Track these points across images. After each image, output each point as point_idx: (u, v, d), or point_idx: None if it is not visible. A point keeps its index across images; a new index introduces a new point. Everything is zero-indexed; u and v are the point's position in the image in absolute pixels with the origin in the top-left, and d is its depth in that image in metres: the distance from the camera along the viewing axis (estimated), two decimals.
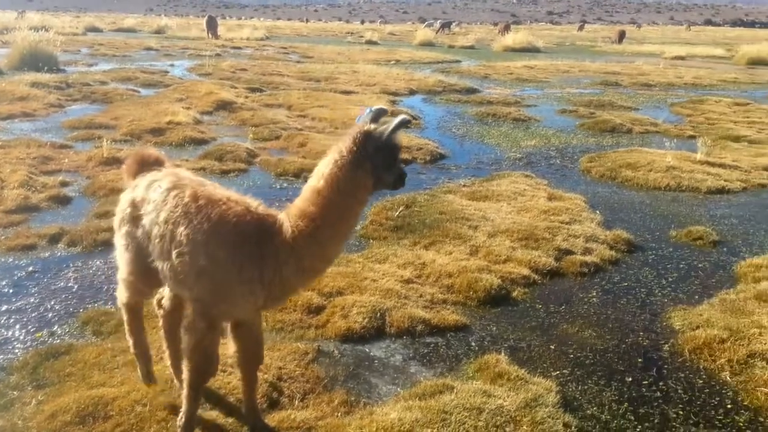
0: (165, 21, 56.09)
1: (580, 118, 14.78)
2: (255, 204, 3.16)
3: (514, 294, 5.55)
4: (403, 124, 2.90)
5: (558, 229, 6.91)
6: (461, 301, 5.37)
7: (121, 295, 3.61)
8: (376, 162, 2.89)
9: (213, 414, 3.63)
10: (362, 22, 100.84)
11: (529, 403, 3.86)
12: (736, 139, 12.49)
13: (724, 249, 6.76)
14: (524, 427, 3.64)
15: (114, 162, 9.22)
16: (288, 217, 3.01)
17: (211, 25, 39.47)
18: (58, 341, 4.51)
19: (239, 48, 34.17)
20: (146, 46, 31.87)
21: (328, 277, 5.51)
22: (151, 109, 13.46)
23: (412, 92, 18.24)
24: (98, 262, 5.95)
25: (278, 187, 8.69)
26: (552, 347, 4.71)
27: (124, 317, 3.73)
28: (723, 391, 4.20)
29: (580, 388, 4.20)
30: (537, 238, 6.65)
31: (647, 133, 13.25)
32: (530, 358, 4.55)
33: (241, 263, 2.96)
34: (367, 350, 4.58)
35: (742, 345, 4.57)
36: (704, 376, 4.37)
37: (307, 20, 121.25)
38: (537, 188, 8.64)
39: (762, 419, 3.91)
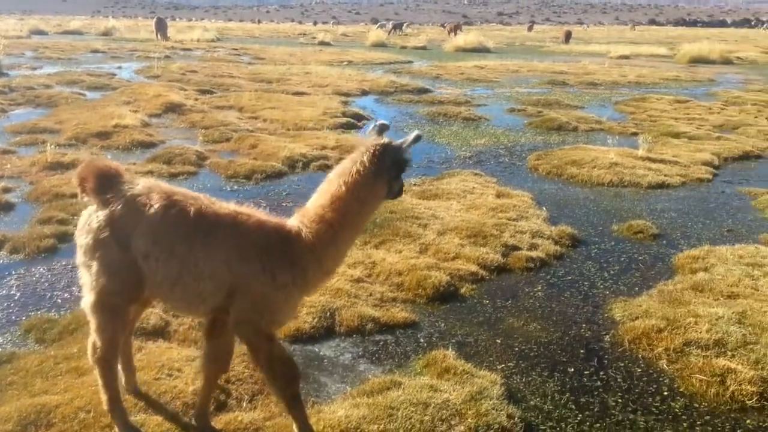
0: (113, 23, 54.83)
1: (529, 116, 15.06)
2: (262, 213, 3.23)
3: (463, 290, 5.66)
4: (418, 139, 3.12)
5: (505, 226, 7.06)
6: (410, 299, 5.45)
7: (103, 333, 3.21)
8: (391, 173, 3.11)
9: (158, 418, 3.62)
10: (315, 23, 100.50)
11: (474, 396, 3.96)
12: (677, 135, 12.92)
13: (664, 242, 7.01)
14: (469, 420, 3.73)
15: (58, 167, 9.04)
16: (303, 222, 3.10)
17: (161, 27, 38.85)
18: (0, 350, 4.42)
19: (189, 50, 33.71)
20: (93, 49, 31.19)
21: None
22: (98, 113, 13.21)
23: (364, 93, 18.30)
24: (41, 269, 5.84)
25: (228, 189, 8.64)
26: (498, 341, 4.83)
27: (101, 369, 3.28)
28: (660, 379, 4.38)
29: (524, 379, 4.32)
30: (485, 234, 6.78)
31: (592, 130, 13.59)
32: (477, 353, 4.65)
33: (273, 271, 3.02)
34: (316, 350, 4.62)
35: (679, 334, 4.76)
36: (642, 365, 4.55)
37: (259, 21, 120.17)
38: (486, 186, 8.80)
39: (696, 405, 4.09)
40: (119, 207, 3.07)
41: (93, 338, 3.27)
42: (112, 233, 3.06)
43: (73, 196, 7.70)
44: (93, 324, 3.23)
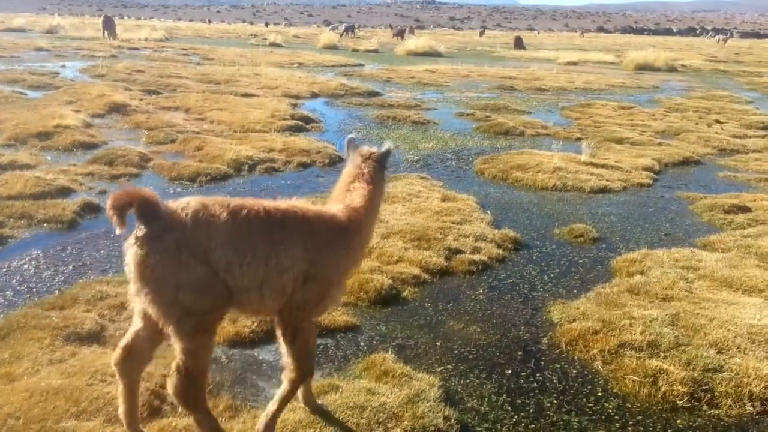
0: (58, 20, 53.30)
1: (477, 121, 15.24)
2: (311, 205, 3.57)
3: (405, 293, 5.68)
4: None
5: (449, 229, 7.11)
6: (352, 302, 5.44)
7: (199, 361, 3.12)
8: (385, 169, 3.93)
9: (89, 425, 3.52)
10: (266, 25, 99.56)
11: (411, 399, 3.97)
12: (620, 141, 13.25)
13: (603, 245, 7.18)
14: (405, 423, 3.74)
15: None
16: (343, 211, 3.50)
17: (108, 25, 37.89)
18: None
19: (137, 49, 33.04)
20: (37, 47, 30.23)
21: None
22: (39, 113, 12.81)
23: (314, 95, 18.24)
24: None
25: (172, 191, 8.48)
26: (438, 344, 4.86)
27: (201, 408, 3.22)
28: (595, 380, 4.47)
29: (462, 382, 4.36)
30: (429, 238, 6.82)
31: (538, 135, 13.83)
32: (416, 356, 4.67)
33: (336, 256, 3.37)
34: (255, 354, 4.56)
35: (614, 335, 4.87)
36: (578, 366, 4.64)
37: (210, 21, 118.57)
38: (432, 190, 8.86)
39: (629, 405, 4.19)
40: (188, 226, 2.99)
41: (179, 377, 3.09)
42: (189, 254, 2.96)
43: (10, 197, 7.48)
44: (186, 354, 3.06)
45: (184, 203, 3.07)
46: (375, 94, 19.11)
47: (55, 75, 19.71)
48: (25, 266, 5.89)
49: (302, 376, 3.45)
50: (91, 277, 5.67)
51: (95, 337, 4.58)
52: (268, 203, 3.27)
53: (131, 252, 3.01)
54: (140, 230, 2.97)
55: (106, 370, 4.05)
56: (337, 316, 5.11)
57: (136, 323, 3.34)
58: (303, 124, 13.52)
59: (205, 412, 3.25)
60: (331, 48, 40.81)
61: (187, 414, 3.27)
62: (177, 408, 3.80)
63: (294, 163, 10.20)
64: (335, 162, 10.51)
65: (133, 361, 3.32)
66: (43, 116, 12.32)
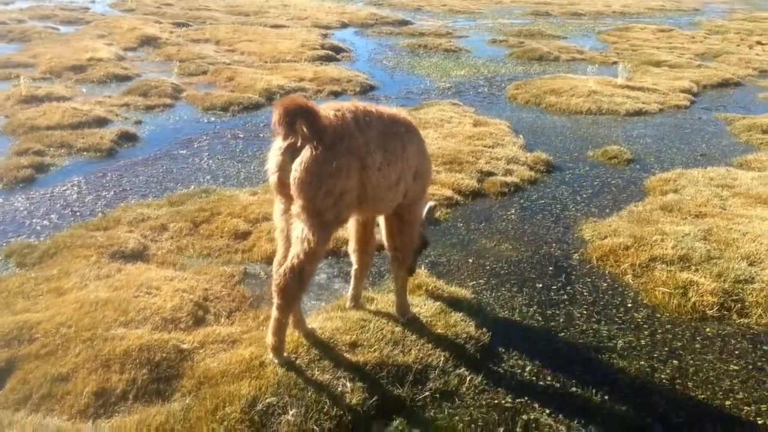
0: None
1: (510, 47, 14.92)
2: None
3: (437, 214, 5.75)
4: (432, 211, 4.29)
5: (481, 153, 7.11)
6: None
7: (322, 246, 3.30)
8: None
9: (138, 332, 3.72)
10: None
11: (444, 309, 4.10)
12: (658, 64, 12.88)
13: (637, 166, 7.11)
14: (438, 330, 3.87)
15: (33, 100, 8.91)
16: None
17: None
18: None
19: None
20: None
21: (254, 204, 5.59)
22: (72, 47, 12.92)
23: (344, 25, 18.00)
24: (20, 198, 5.87)
25: (205, 120, 8.58)
26: (470, 261, 4.95)
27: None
28: (625, 292, 4.54)
29: (493, 295, 4.46)
30: (461, 161, 6.83)
31: (573, 60, 13.52)
32: (449, 271, 4.77)
33: (427, 157, 3.82)
34: None
35: (645, 250, 4.90)
36: (609, 280, 4.70)
37: None
38: (464, 115, 8.80)
39: (658, 315, 4.26)
40: (353, 134, 3.23)
41: (292, 275, 3.26)
42: (356, 158, 3.23)
43: (49, 128, 7.66)
44: (308, 254, 3.23)
45: (338, 112, 3.25)
46: (405, 23, 18.76)
47: (86, 10, 19.74)
48: (68, 192, 6.10)
49: (409, 256, 3.90)
50: (132, 201, 5.85)
51: (139, 255, 4.77)
52: (386, 108, 3.56)
53: (302, 159, 3.11)
54: (309, 139, 3.11)
55: (151, 283, 4.25)
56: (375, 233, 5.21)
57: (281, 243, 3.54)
58: (333, 54, 13.41)
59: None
60: None
61: (278, 312, 3.37)
62: (220, 318, 4.00)
63: (325, 92, 10.19)
64: (366, 90, 10.47)
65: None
66: (76, 50, 12.42)
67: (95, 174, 6.56)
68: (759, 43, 15.70)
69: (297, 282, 3.26)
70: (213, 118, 8.70)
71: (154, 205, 5.71)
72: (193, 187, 6.20)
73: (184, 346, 3.59)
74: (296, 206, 3.19)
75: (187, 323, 3.86)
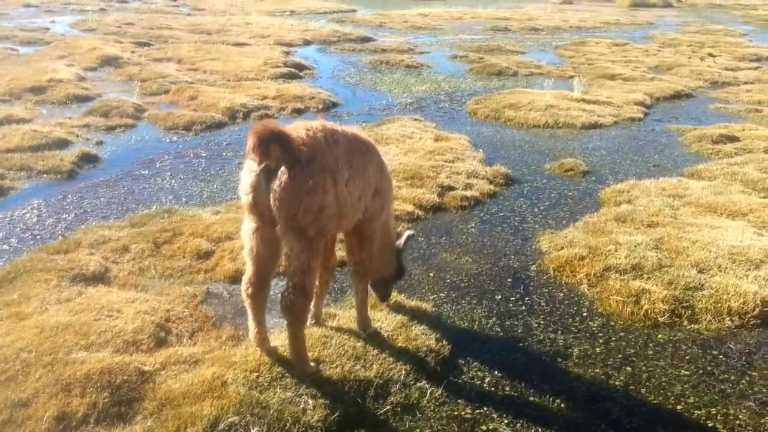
0: None
1: (470, 63, 15.17)
2: None
3: (398, 229, 5.81)
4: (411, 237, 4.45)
5: (442, 168, 7.24)
6: None
7: (316, 262, 3.48)
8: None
9: (98, 355, 3.71)
10: None
11: (405, 324, 4.17)
12: (612, 77, 13.24)
13: (593, 178, 7.31)
14: (399, 344, 3.95)
15: None
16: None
17: None
18: None
19: (125, 2, 32.45)
20: (25, 3, 29.67)
21: (217, 223, 5.61)
22: (31, 68, 12.78)
23: (306, 43, 18.10)
24: None
25: (168, 140, 8.57)
26: (431, 274, 5.05)
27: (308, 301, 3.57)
28: (580, 302, 4.67)
29: (453, 308, 4.55)
30: (422, 176, 6.95)
31: (531, 75, 13.81)
32: (410, 285, 4.86)
33: (387, 174, 3.92)
34: None
35: (599, 260, 5.05)
36: (565, 290, 4.83)
37: None
38: (425, 131, 8.94)
39: (612, 323, 4.40)
40: (325, 152, 3.33)
41: (296, 293, 3.41)
42: (330, 176, 3.34)
43: (8, 151, 7.58)
44: (305, 272, 3.39)
45: (309, 131, 3.35)
46: (368, 39, 18.95)
47: (46, 30, 19.51)
48: (28, 215, 6.04)
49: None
50: (93, 224, 5.82)
51: (100, 278, 4.75)
52: (348, 128, 3.69)
53: (280, 180, 3.21)
54: (284, 160, 3.21)
55: (112, 306, 4.24)
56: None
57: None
58: (296, 71, 13.48)
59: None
60: None
61: (292, 329, 3.53)
62: (182, 339, 4.02)
63: (288, 109, 10.25)
64: (329, 107, 10.56)
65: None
66: (36, 71, 12.29)
67: (55, 196, 6.51)
68: (710, 55, 16.24)
69: (302, 297, 3.43)
70: (175, 138, 8.69)
71: (116, 226, 5.69)
72: (155, 207, 6.20)
73: (146, 368, 3.59)
74: (280, 226, 3.31)
75: (148, 345, 3.86)
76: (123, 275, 4.83)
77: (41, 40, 17.23)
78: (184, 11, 27.84)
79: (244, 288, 3.61)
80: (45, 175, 7.06)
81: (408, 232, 4.33)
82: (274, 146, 3.17)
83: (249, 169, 3.34)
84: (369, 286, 4.26)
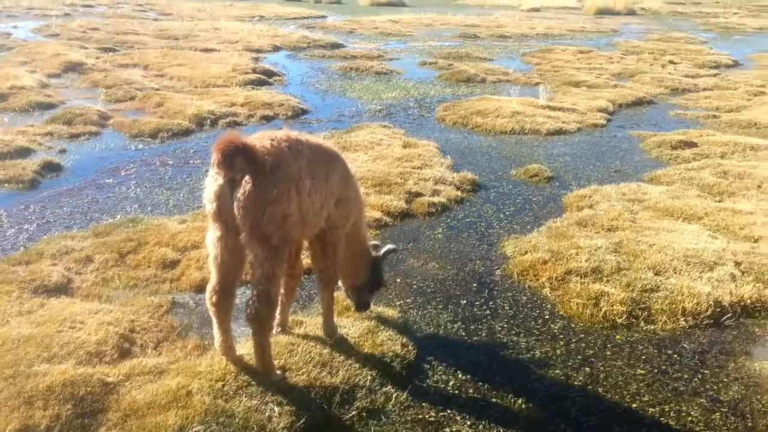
0: None
1: (439, 69, 15.32)
2: None
3: (377, 242, 5.88)
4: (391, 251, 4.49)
5: (410, 174, 7.31)
6: None
7: (277, 288, 3.55)
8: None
9: (61, 367, 3.69)
10: None
11: (371, 330, 4.23)
12: (577, 84, 13.48)
13: (557, 183, 7.46)
14: (366, 350, 4.00)
15: None
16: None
17: None
18: None
19: (91, 6, 32.04)
20: None
21: (183, 232, 5.60)
22: None
23: (276, 48, 18.08)
24: None
25: (133, 148, 8.51)
26: (398, 280, 5.11)
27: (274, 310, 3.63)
28: (543, 305, 4.77)
29: (420, 313, 4.62)
30: (390, 183, 7.01)
31: (499, 81, 14.00)
32: (377, 292, 4.90)
33: (353, 184, 4.01)
34: None
35: (561, 264, 5.16)
36: (528, 294, 4.93)
37: None
38: (393, 137, 9.01)
39: (573, 325, 4.51)
40: (290, 162, 3.37)
41: (261, 302, 3.44)
42: (293, 185, 3.38)
43: None
44: (271, 280, 3.42)
45: (273, 141, 3.38)
46: (338, 45, 18.99)
47: (7, 36, 19.16)
48: None
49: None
50: (55, 234, 5.76)
51: (63, 289, 4.71)
52: (312, 138, 3.76)
53: (244, 189, 3.25)
54: (248, 171, 3.26)
55: (75, 317, 4.22)
56: (302, 258, 5.30)
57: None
58: (265, 78, 13.47)
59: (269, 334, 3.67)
60: (293, 0, 40.02)
61: (258, 337, 3.57)
62: (147, 349, 4.01)
63: (257, 117, 10.24)
64: (298, 114, 10.59)
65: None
66: None
67: (17, 206, 6.43)
68: (671, 62, 16.61)
69: (267, 305, 3.46)
70: (141, 145, 8.64)
71: (79, 236, 5.64)
72: (119, 216, 6.16)
73: (110, 380, 3.58)
74: (244, 234, 3.34)
75: (112, 356, 3.85)
76: (86, 286, 4.80)
77: (2, 46, 16.92)
78: (151, 16, 27.58)
79: (209, 296, 3.62)
80: (6, 185, 6.97)
81: (390, 246, 4.36)
82: (238, 159, 3.20)
83: (213, 178, 3.38)
84: (347, 295, 4.32)
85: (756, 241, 5.64)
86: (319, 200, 3.58)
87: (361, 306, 4.31)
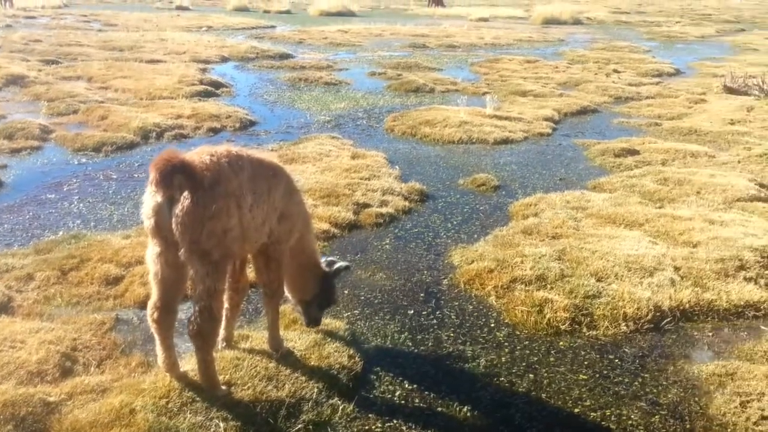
0: None
1: (389, 80, 15.41)
2: None
3: (331, 258, 5.88)
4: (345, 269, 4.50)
5: (358, 185, 7.35)
6: None
7: (219, 303, 3.55)
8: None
9: (2, 388, 3.60)
10: None
11: (318, 342, 4.24)
12: (524, 93, 13.75)
13: (503, 192, 7.60)
14: (312, 363, 4.01)
15: None
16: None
17: None
18: None
19: (33, 18, 31.22)
20: None
21: (127, 248, 5.51)
22: None
23: (224, 59, 17.92)
24: None
25: (76, 162, 8.33)
26: (345, 292, 5.12)
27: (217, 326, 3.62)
28: (489, 313, 4.86)
29: (367, 324, 4.65)
30: (338, 194, 7.03)
31: (448, 91, 14.17)
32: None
33: (298, 199, 4.01)
34: None
35: (507, 272, 5.26)
36: (474, 303, 5.01)
37: None
38: (342, 148, 9.04)
39: (518, 333, 4.60)
40: (229, 178, 3.37)
41: (203, 318, 3.43)
42: (233, 201, 3.37)
43: None
44: (212, 296, 3.42)
45: (213, 157, 3.39)
46: (287, 56, 18.94)
47: None
48: None
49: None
50: None
51: (3, 308, 4.59)
52: (255, 153, 3.76)
53: (182, 205, 3.23)
54: (187, 187, 3.25)
55: (15, 337, 4.12)
56: (247, 271, 5.27)
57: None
58: (212, 89, 13.34)
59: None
60: (242, 10, 39.67)
61: (201, 353, 3.56)
62: (89, 368, 3.94)
63: (204, 129, 10.14)
64: (246, 125, 10.52)
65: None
66: None
67: None
68: (615, 71, 17.09)
69: (209, 321, 3.43)
70: (84, 160, 8.46)
71: (20, 254, 5.50)
72: (61, 233, 6.02)
73: (51, 399, 3.52)
74: (183, 250, 3.31)
75: (53, 375, 3.78)
76: (27, 304, 4.69)
77: None
78: (96, 27, 26.99)
79: (150, 313, 3.59)
80: None
81: (342, 263, 4.36)
82: (177, 177, 3.19)
83: (151, 194, 3.35)
84: (296, 310, 4.32)
85: (694, 246, 5.84)
86: (261, 215, 3.58)
87: (311, 321, 4.28)
